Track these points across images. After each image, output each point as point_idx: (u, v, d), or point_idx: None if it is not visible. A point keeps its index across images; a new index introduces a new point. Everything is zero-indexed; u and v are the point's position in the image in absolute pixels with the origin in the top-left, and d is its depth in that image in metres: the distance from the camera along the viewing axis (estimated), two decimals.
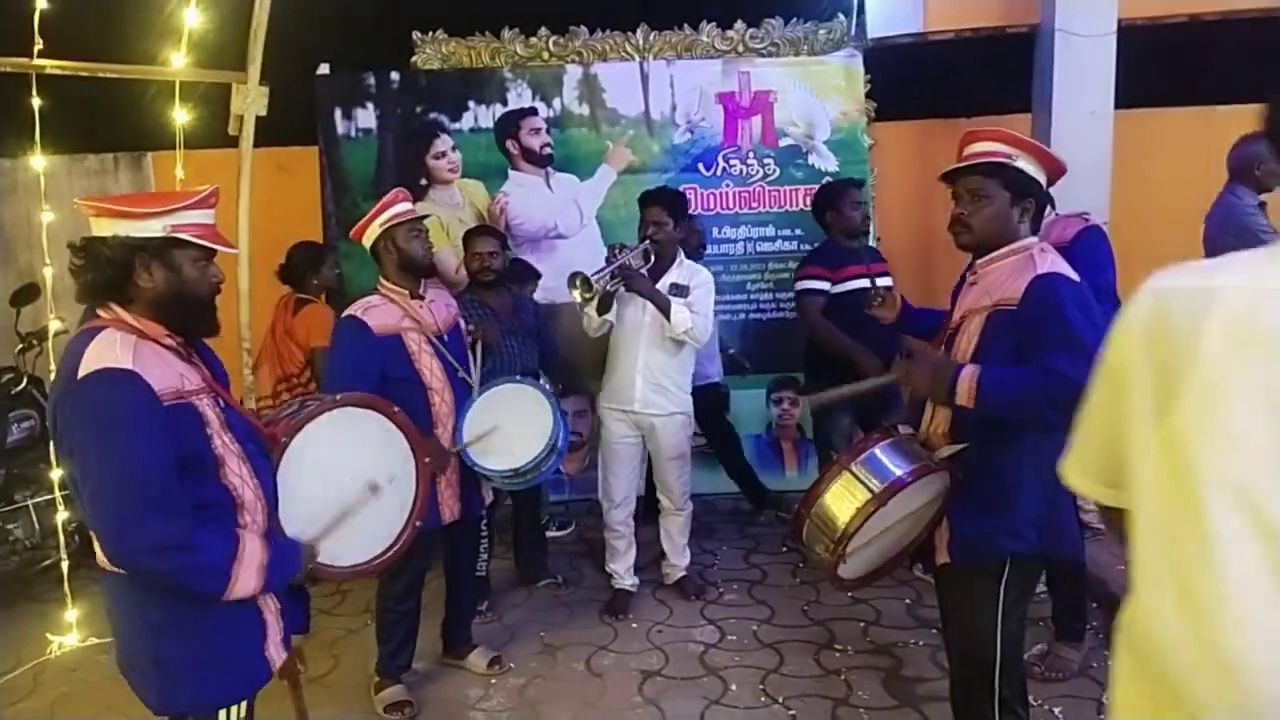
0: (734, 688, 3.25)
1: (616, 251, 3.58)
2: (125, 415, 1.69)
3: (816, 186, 4.91)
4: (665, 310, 3.59)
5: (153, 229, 1.79)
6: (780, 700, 3.15)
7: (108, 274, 1.78)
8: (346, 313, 3.08)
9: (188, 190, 1.89)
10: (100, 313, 1.82)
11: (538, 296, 5.03)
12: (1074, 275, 2.11)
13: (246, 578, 1.83)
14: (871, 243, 4.65)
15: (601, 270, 3.50)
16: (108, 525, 1.71)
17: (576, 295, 3.46)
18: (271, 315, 4.02)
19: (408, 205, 3.13)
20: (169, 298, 1.82)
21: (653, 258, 3.68)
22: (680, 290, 3.66)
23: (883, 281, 4.05)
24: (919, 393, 2.20)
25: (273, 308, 4.07)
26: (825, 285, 4.07)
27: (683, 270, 3.74)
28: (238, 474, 1.87)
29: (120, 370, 1.70)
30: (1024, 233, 2.19)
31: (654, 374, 3.70)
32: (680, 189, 4.98)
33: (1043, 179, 2.19)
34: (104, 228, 1.78)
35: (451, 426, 3.12)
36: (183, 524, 1.73)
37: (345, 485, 2.18)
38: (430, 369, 3.08)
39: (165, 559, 1.73)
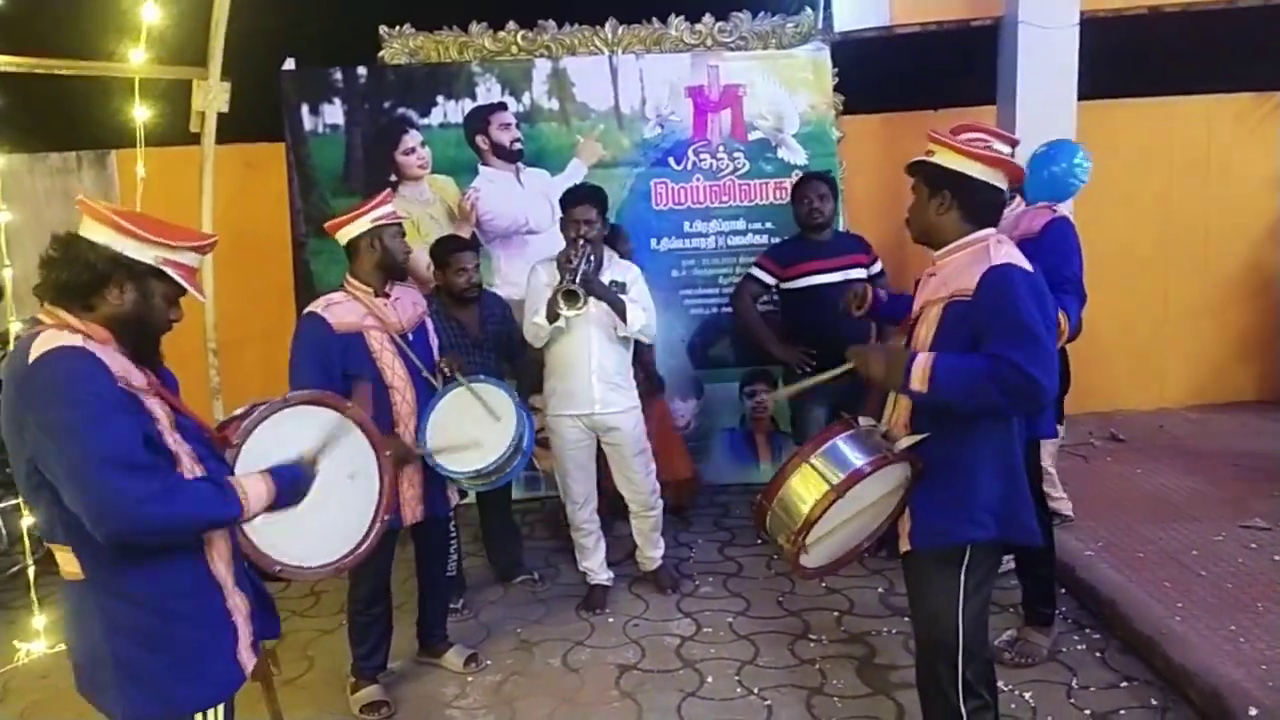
0: (710, 680, 3.27)
1: (571, 259, 3.49)
2: (87, 387, 1.69)
3: (786, 180, 4.96)
4: (622, 311, 3.59)
5: (146, 255, 1.81)
6: (756, 691, 3.18)
7: (83, 279, 1.77)
8: (308, 309, 3.07)
9: (192, 231, 1.92)
10: (43, 318, 1.80)
11: (507, 292, 5.01)
12: (1028, 266, 2.16)
13: (254, 486, 1.86)
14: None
15: (574, 278, 3.42)
16: (97, 494, 1.66)
17: (572, 311, 3.43)
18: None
19: (393, 208, 3.16)
20: (130, 320, 1.82)
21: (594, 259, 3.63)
22: (620, 287, 3.66)
23: (856, 274, 4.13)
24: (874, 378, 2.23)
25: (239, 308, 4.03)
26: (766, 277, 4.28)
27: (615, 268, 3.74)
28: (191, 473, 1.85)
29: (73, 346, 1.71)
30: (953, 223, 2.23)
31: (608, 373, 3.69)
32: (652, 182, 5.06)
33: (973, 173, 2.18)
34: (99, 234, 1.79)
35: (413, 426, 3.10)
36: (164, 474, 1.74)
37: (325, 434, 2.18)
38: (392, 368, 3.07)
39: (165, 502, 1.70)
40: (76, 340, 1.73)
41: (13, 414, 1.74)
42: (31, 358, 1.70)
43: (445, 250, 3.87)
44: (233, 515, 1.84)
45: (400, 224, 3.15)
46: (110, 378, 1.73)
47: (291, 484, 1.98)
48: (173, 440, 1.84)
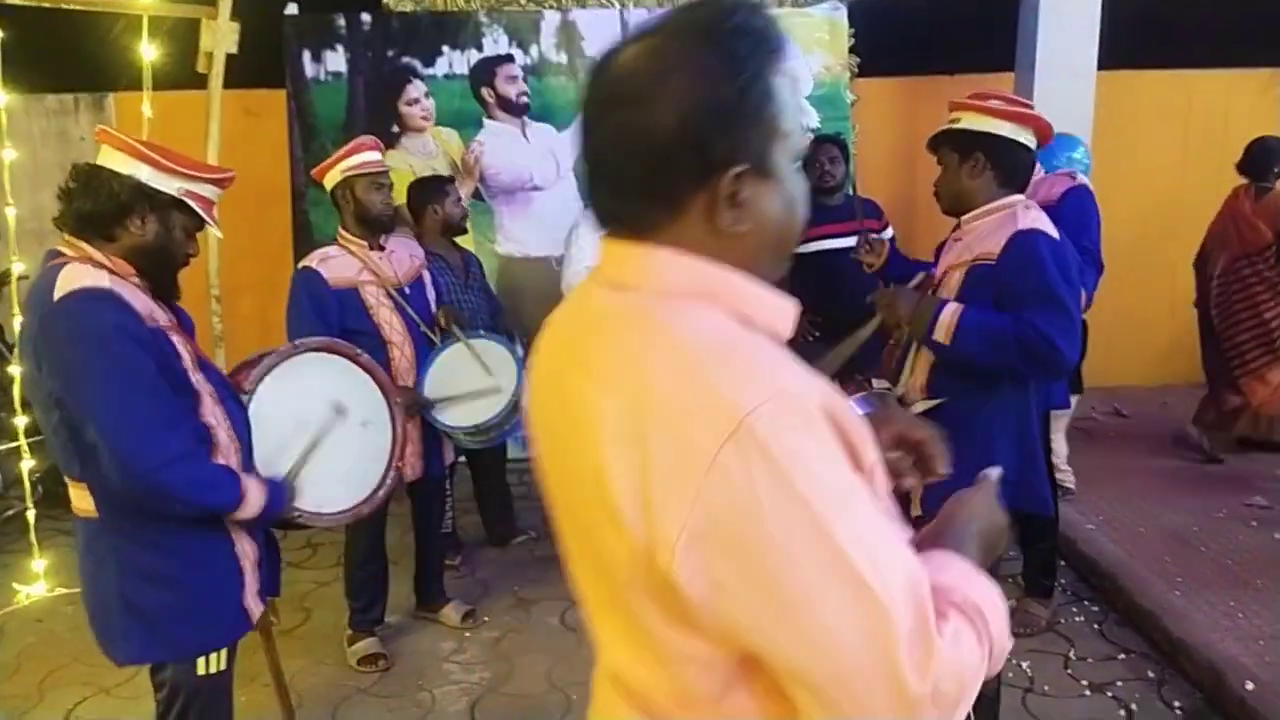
0: None
1: None
2: (112, 331, 1.69)
3: None
4: None
5: (169, 185, 1.82)
6: None
7: (107, 208, 1.77)
8: (302, 264, 3.02)
9: (211, 165, 1.93)
10: (65, 250, 1.79)
11: (510, 250, 4.94)
12: (1055, 232, 2.13)
13: (255, 494, 1.86)
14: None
15: None
16: (122, 441, 1.69)
17: None
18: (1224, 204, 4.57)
19: (374, 155, 3.03)
20: (151, 250, 1.83)
21: None
22: None
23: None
24: (899, 323, 2.19)
25: (236, 258, 3.96)
26: None
27: None
28: (211, 413, 1.86)
29: (99, 288, 1.71)
30: (986, 186, 2.18)
31: None
32: None
33: (1003, 132, 2.14)
34: (121, 164, 1.78)
35: (413, 381, 3.06)
36: (187, 436, 1.76)
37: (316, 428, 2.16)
38: (390, 323, 3.02)
39: (179, 468, 1.73)
40: (102, 280, 1.72)
41: (34, 347, 1.73)
42: (56, 295, 1.69)
43: (435, 185, 3.73)
44: (232, 503, 1.84)
45: (378, 174, 3.01)
46: (137, 318, 1.73)
47: (278, 499, 1.95)
48: (196, 379, 1.84)
